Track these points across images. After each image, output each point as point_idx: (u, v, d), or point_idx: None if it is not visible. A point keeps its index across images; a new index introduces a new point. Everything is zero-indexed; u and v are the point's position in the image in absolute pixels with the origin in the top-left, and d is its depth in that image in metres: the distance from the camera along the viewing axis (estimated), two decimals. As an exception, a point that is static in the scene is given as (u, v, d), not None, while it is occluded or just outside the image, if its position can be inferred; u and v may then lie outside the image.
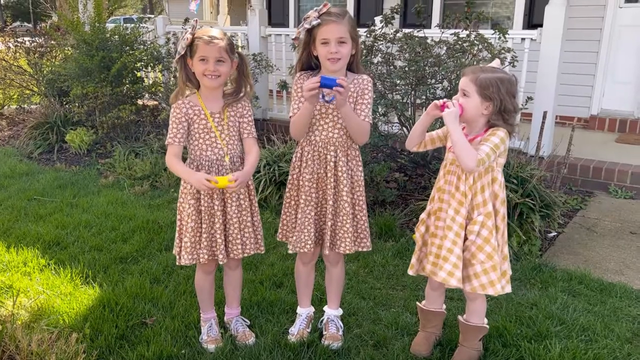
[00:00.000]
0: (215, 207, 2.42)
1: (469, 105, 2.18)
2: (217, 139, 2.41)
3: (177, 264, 2.53)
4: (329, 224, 2.44)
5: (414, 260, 2.47)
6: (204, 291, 2.64)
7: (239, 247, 2.49)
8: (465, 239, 2.27)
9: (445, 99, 2.23)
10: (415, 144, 2.40)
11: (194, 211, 2.42)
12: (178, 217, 2.51)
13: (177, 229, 2.52)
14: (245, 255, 2.54)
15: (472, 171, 2.20)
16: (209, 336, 2.59)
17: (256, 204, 2.57)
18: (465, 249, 2.27)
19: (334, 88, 2.15)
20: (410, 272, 2.49)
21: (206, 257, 2.45)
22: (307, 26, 2.28)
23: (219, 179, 2.26)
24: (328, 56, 2.26)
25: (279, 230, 2.61)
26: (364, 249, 2.54)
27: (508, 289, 2.32)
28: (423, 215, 2.41)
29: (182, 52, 2.34)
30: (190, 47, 2.34)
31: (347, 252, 2.47)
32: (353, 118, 2.31)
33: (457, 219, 2.25)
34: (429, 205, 2.40)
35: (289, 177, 2.53)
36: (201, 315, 2.68)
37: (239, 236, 2.48)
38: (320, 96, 2.29)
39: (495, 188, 2.27)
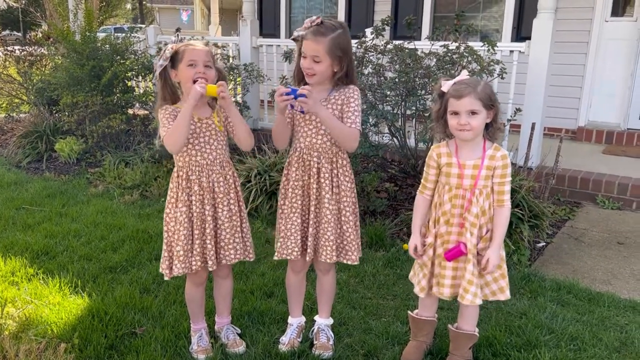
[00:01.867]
0: (207, 213, 2.42)
1: (479, 122, 2.17)
2: (206, 144, 2.41)
3: (165, 278, 2.48)
4: (310, 230, 2.44)
5: (424, 283, 2.39)
6: (195, 302, 2.62)
7: (231, 252, 2.49)
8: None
9: (454, 249, 2.26)
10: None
11: (186, 218, 2.41)
12: (165, 228, 2.47)
13: (165, 241, 2.48)
14: (236, 260, 2.53)
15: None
16: (199, 346, 2.57)
17: (244, 211, 2.57)
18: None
19: (298, 99, 2.20)
20: (422, 294, 2.41)
21: (199, 264, 2.44)
22: (295, 34, 2.31)
23: (207, 86, 2.26)
24: (304, 70, 2.32)
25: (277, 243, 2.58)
26: (348, 262, 2.50)
27: (508, 293, 2.36)
28: (430, 239, 2.34)
29: (166, 63, 2.32)
30: (173, 57, 2.33)
31: (329, 261, 2.45)
32: (333, 123, 2.29)
33: (472, 241, 2.25)
34: (432, 228, 2.35)
35: (280, 187, 2.54)
36: (191, 325, 2.67)
37: (230, 241, 2.49)
38: (295, 107, 2.35)
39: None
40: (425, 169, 2.38)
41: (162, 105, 2.40)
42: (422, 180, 2.40)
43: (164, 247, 2.48)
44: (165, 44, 2.39)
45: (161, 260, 2.49)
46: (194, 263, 2.43)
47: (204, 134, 2.42)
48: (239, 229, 2.52)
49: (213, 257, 2.45)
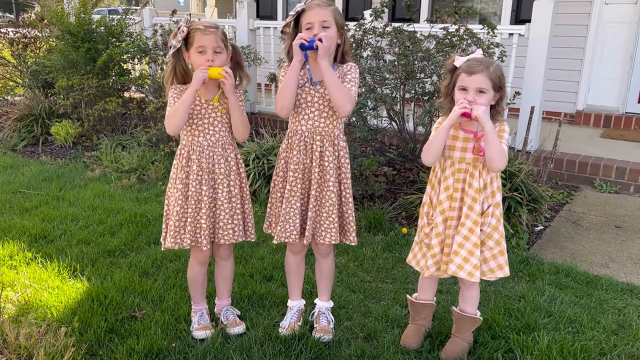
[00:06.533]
0: (203, 193, 2.45)
1: (484, 101, 2.18)
2: (210, 125, 2.45)
3: (162, 248, 2.56)
4: (310, 214, 2.44)
5: (431, 262, 2.37)
6: (197, 283, 2.65)
7: (229, 232, 2.52)
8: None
9: (464, 103, 2.16)
10: (436, 159, 2.33)
11: (181, 195, 2.47)
12: (166, 202, 2.55)
13: (165, 214, 2.56)
14: (234, 241, 2.56)
15: (499, 172, 2.26)
16: (200, 324, 2.61)
17: (248, 192, 2.60)
18: None
19: (314, 44, 2.23)
20: (427, 273, 2.40)
21: (188, 242, 2.48)
22: (293, 14, 2.33)
23: (209, 69, 2.32)
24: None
25: (266, 222, 2.62)
26: (349, 242, 2.54)
27: (507, 270, 2.37)
28: (439, 219, 2.33)
29: (178, 46, 2.36)
30: (186, 39, 2.37)
31: (334, 242, 2.48)
32: (334, 78, 2.28)
33: (471, 215, 2.26)
34: (438, 206, 2.34)
35: (275, 169, 2.54)
36: (192, 306, 2.69)
37: (229, 222, 2.51)
38: (310, 81, 2.37)
39: (499, 179, 2.32)
40: (432, 133, 2.33)
41: (171, 81, 2.46)
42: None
43: (164, 219, 2.56)
44: (180, 22, 2.40)
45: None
46: (185, 239, 2.48)
47: (209, 115, 2.45)
48: (239, 210, 2.54)
49: (207, 237, 2.48)
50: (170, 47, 2.38)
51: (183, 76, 2.46)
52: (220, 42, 2.36)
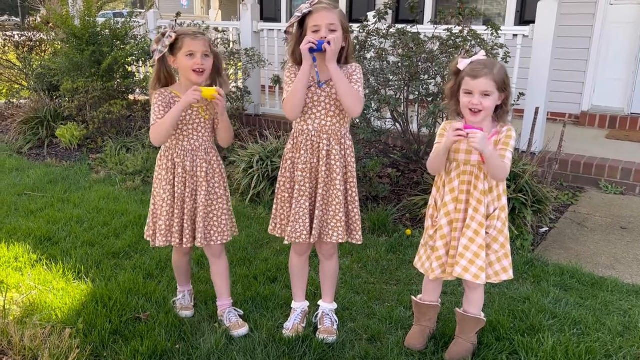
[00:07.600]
0: (186, 194, 2.54)
1: (490, 104, 2.17)
2: (194, 131, 2.52)
3: (151, 245, 2.67)
4: (317, 212, 2.45)
5: (435, 264, 2.37)
6: (180, 269, 2.83)
7: (215, 234, 2.61)
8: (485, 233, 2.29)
9: (458, 126, 2.13)
10: (441, 170, 2.34)
11: (170, 196, 2.54)
12: (152, 200, 2.63)
13: (151, 212, 2.64)
14: (224, 242, 2.65)
15: (500, 182, 2.28)
16: (181, 304, 2.80)
17: (229, 193, 2.68)
18: None
19: (323, 47, 2.23)
20: (432, 276, 2.40)
21: (177, 240, 2.57)
22: (299, 14, 2.32)
23: (203, 89, 2.37)
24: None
25: (271, 224, 2.60)
26: (355, 242, 2.55)
27: (511, 273, 2.37)
28: (444, 221, 2.33)
29: (165, 51, 2.42)
30: (172, 45, 2.42)
31: (340, 241, 2.49)
32: (343, 79, 2.29)
33: (477, 217, 2.25)
34: (442, 208, 2.34)
35: (281, 170, 2.53)
36: (178, 287, 2.88)
37: (216, 224, 2.60)
38: (317, 83, 2.38)
39: (504, 182, 2.33)
40: (437, 139, 2.34)
41: (156, 87, 2.51)
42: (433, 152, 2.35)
43: (149, 217, 2.66)
44: (164, 29, 2.46)
45: (146, 227, 2.68)
46: (173, 239, 2.57)
47: (194, 120, 2.52)
48: (225, 210, 2.63)
49: (188, 235, 2.57)
50: (155, 52, 2.43)
51: (167, 79, 2.52)
52: (208, 47, 2.43)
